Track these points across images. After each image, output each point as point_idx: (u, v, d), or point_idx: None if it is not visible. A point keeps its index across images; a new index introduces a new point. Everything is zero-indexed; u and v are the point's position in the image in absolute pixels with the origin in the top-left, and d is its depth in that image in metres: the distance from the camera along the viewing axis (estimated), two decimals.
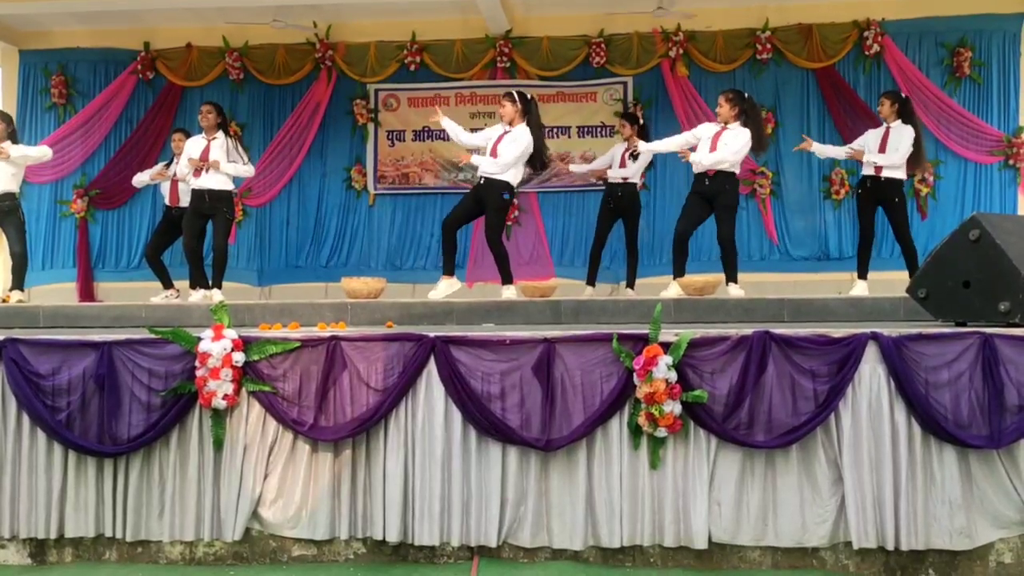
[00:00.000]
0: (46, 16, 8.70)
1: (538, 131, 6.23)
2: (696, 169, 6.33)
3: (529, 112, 6.21)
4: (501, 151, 6.15)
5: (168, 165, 7.71)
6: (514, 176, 6.23)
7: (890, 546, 3.70)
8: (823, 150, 7.09)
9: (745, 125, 6.25)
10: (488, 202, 6.23)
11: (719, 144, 6.23)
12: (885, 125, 6.77)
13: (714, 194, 6.27)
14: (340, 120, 9.04)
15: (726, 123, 6.29)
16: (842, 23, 8.38)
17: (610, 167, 7.56)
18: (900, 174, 6.67)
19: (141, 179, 7.91)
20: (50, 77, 9.17)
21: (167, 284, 7.64)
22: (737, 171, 6.37)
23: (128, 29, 8.99)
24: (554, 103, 8.85)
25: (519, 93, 6.32)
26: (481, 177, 6.23)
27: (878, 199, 6.73)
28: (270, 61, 8.94)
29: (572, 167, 8.03)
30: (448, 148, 8.85)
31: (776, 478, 3.80)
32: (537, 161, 6.33)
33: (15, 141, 6.97)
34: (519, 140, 6.12)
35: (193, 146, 6.91)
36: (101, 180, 9.07)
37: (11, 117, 7.28)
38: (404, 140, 9.06)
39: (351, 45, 8.89)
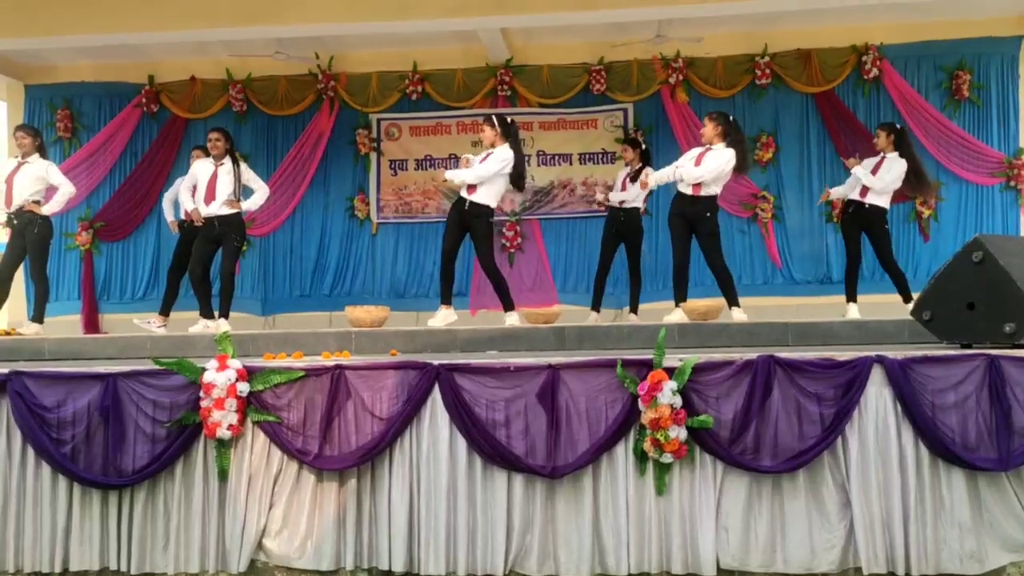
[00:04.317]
0: (51, 51, 8.76)
1: (519, 154, 6.34)
2: (679, 187, 6.38)
3: (509, 134, 6.34)
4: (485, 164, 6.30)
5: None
6: (493, 196, 6.34)
7: (900, 571, 3.66)
8: (842, 191, 7.11)
9: (730, 146, 6.30)
10: (474, 230, 6.32)
11: (701, 163, 6.29)
12: (882, 154, 6.86)
13: (694, 218, 6.32)
14: (342, 150, 9.10)
15: (710, 143, 6.35)
16: (841, 48, 8.45)
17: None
18: (883, 203, 6.81)
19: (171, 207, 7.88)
20: (55, 111, 9.26)
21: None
22: (718, 193, 6.40)
23: (132, 63, 9.07)
24: (555, 131, 8.91)
25: (497, 116, 6.46)
26: (466, 202, 6.28)
27: (861, 224, 6.88)
28: (273, 92, 9.02)
29: (612, 196, 7.52)
30: None
31: (784, 503, 3.77)
32: (520, 180, 6.42)
33: (44, 155, 7.00)
34: (500, 156, 6.25)
35: (202, 171, 6.91)
36: (106, 212, 9.12)
37: (38, 131, 7.28)
38: (407, 169, 9.11)
39: (353, 75, 8.96)
